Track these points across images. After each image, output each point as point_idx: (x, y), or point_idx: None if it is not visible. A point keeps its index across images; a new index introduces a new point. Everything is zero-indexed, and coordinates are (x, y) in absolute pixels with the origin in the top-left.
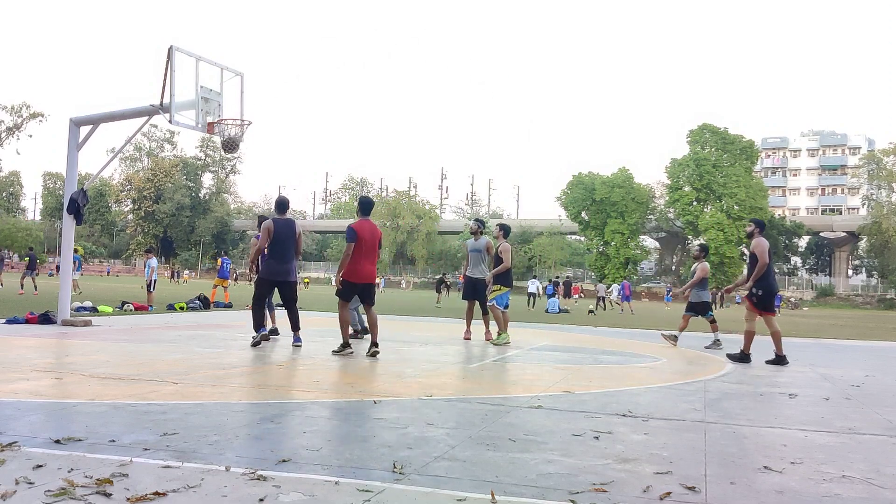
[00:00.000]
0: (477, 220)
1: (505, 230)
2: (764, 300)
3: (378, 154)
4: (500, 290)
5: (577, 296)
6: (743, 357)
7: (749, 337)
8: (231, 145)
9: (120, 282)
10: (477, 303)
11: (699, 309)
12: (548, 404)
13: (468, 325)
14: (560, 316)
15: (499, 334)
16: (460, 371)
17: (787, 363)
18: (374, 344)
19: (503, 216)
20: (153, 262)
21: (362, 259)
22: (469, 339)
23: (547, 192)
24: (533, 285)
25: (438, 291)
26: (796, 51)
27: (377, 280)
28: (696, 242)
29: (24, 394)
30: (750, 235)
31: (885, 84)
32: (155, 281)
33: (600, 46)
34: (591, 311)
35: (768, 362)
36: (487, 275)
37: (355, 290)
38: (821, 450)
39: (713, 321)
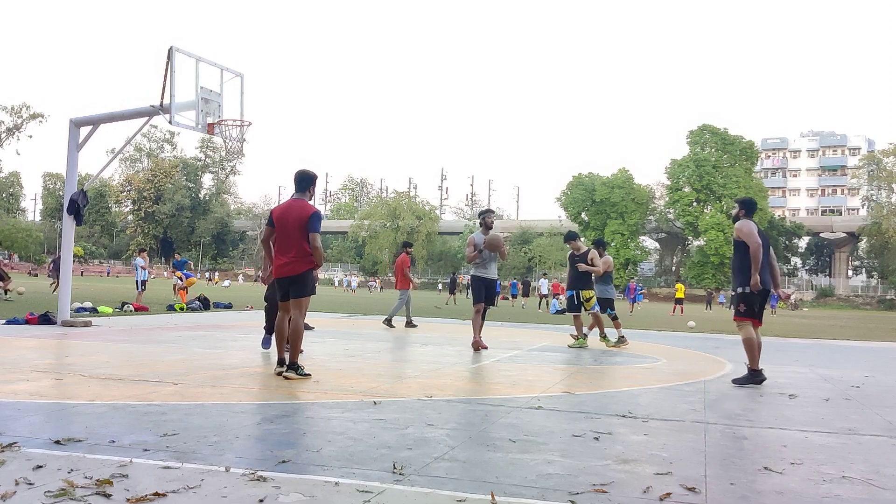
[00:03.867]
0: (489, 210)
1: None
2: (752, 299)
3: (378, 154)
4: (594, 295)
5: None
6: (754, 376)
7: (752, 346)
8: (235, 152)
9: (120, 282)
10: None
11: (603, 305)
12: (548, 405)
13: (478, 331)
14: (559, 316)
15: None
16: (460, 372)
17: (762, 380)
18: (290, 364)
19: (503, 216)
20: (140, 260)
21: (276, 249)
22: (479, 349)
23: (547, 192)
24: (545, 286)
25: (452, 292)
26: (796, 51)
27: (353, 280)
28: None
29: (24, 394)
30: (736, 219)
31: (885, 84)
32: (144, 281)
33: (601, 47)
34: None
35: (735, 381)
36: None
37: (278, 288)
38: (821, 450)
39: (615, 318)
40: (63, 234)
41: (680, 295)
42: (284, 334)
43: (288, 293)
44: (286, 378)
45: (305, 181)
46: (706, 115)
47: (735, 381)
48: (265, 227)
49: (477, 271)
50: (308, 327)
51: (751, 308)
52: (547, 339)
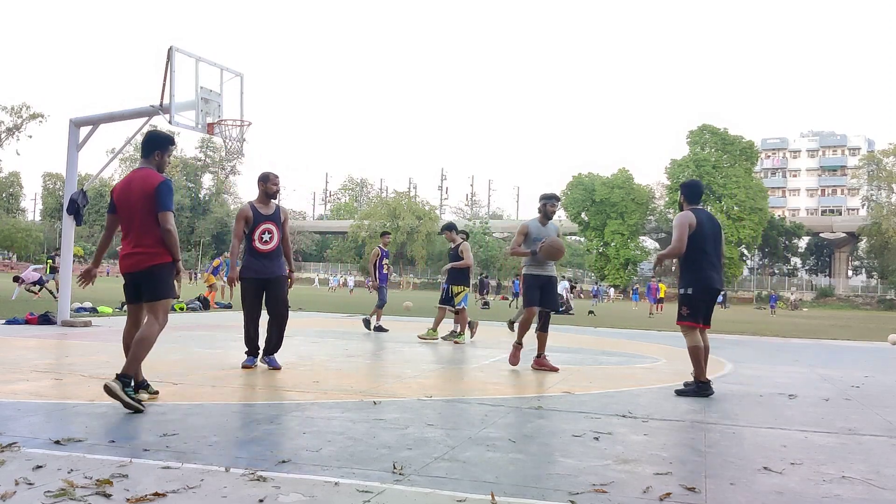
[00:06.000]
0: (554, 196)
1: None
2: (696, 301)
3: (378, 154)
4: (464, 290)
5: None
6: (701, 388)
7: (699, 354)
8: (235, 152)
9: (120, 282)
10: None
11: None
12: (548, 405)
13: (542, 347)
14: (559, 316)
15: (457, 333)
16: (460, 372)
17: (710, 393)
18: (121, 374)
19: (503, 217)
20: None
21: (122, 237)
22: (549, 366)
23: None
24: (561, 287)
25: (483, 294)
26: (796, 51)
27: (350, 280)
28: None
29: (24, 394)
30: (681, 207)
31: (885, 84)
32: None
33: (601, 46)
34: (590, 312)
35: (679, 392)
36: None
37: (125, 287)
38: (821, 450)
39: (458, 313)
40: (63, 234)
41: (661, 294)
42: (129, 347)
43: (138, 294)
44: (106, 386)
45: (151, 144)
46: (706, 115)
47: (679, 392)
48: (107, 214)
49: (531, 268)
50: (382, 329)
51: (694, 312)
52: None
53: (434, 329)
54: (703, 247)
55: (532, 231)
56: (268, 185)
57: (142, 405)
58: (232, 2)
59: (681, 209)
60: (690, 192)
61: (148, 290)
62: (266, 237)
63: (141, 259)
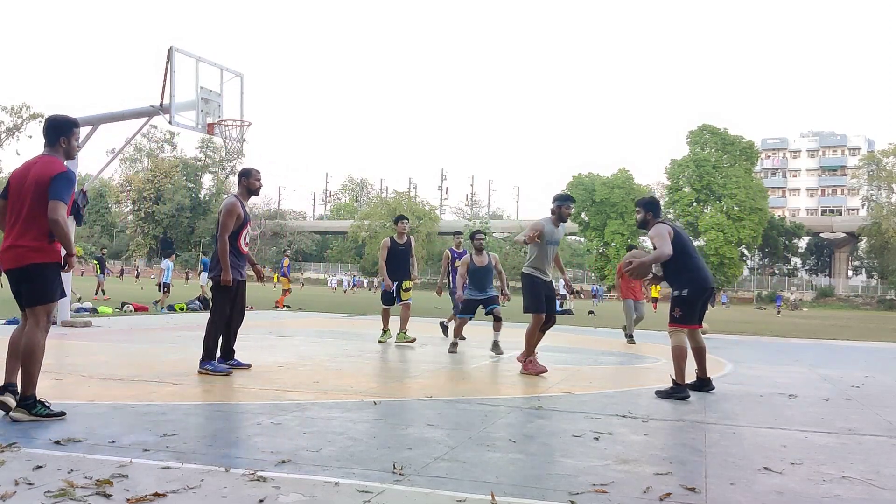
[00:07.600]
0: (569, 197)
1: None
2: (691, 303)
3: (378, 154)
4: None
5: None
6: (677, 390)
7: (683, 356)
8: (235, 152)
9: (120, 283)
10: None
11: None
12: (548, 405)
13: (532, 348)
14: (559, 316)
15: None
16: (460, 372)
17: (686, 397)
18: (22, 399)
19: (503, 217)
20: (168, 263)
21: (7, 227)
22: (539, 372)
23: (547, 192)
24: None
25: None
26: (796, 51)
27: (345, 279)
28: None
29: None
30: (643, 224)
31: (885, 84)
32: (166, 283)
33: (600, 47)
34: (590, 312)
35: (660, 394)
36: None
37: (10, 285)
38: (821, 450)
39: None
40: None
41: (655, 294)
42: (14, 349)
43: (20, 294)
44: (13, 420)
45: (54, 131)
46: (706, 115)
47: (658, 393)
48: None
49: (534, 271)
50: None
51: (687, 314)
52: (547, 339)
53: (404, 331)
54: (687, 250)
55: (546, 232)
56: (251, 180)
57: (61, 412)
58: (232, 2)
59: (644, 224)
60: (656, 207)
61: (27, 291)
62: (247, 238)
63: (20, 254)
